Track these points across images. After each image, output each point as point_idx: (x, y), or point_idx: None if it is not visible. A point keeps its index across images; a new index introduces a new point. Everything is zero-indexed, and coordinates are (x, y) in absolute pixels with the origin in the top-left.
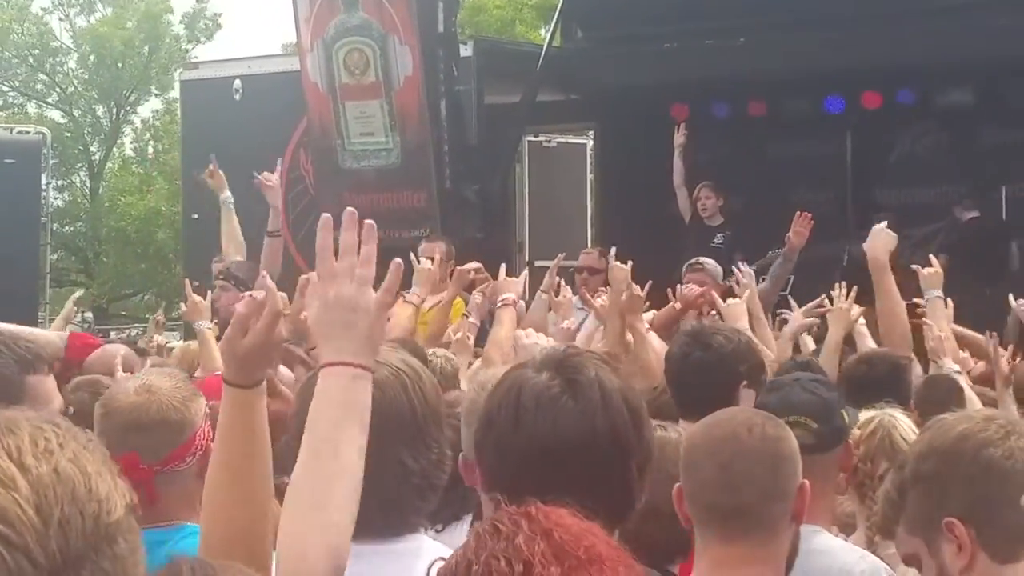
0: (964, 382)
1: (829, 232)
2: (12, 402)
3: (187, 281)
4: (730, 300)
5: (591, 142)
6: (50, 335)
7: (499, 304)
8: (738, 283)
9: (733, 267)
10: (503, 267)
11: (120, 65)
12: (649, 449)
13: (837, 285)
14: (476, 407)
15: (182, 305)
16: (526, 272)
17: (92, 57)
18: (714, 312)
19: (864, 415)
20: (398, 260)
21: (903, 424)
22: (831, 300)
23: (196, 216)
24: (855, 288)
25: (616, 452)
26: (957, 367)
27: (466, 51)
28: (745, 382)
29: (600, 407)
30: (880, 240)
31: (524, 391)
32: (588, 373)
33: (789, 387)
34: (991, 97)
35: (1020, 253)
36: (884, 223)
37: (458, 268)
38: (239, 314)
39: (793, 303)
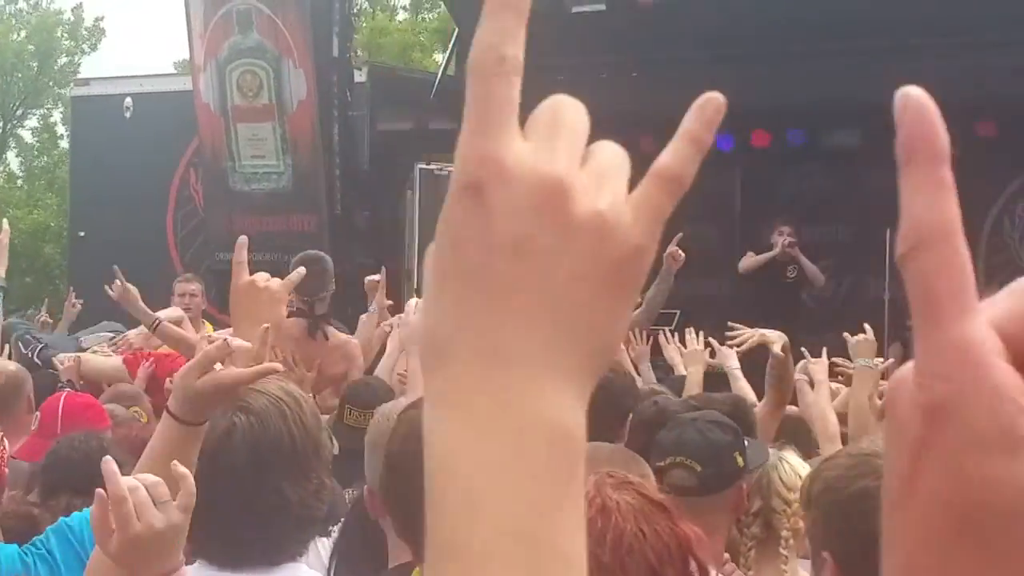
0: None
1: (716, 268)
2: None
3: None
4: None
5: None
6: None
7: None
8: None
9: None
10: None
11: (8, 79)
12: None
13: (689, 330)
14: (381, 438)
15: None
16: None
17: None
18: None
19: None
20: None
21: (787, 465)
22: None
23: (83, 234)
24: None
25: None
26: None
27: (360, 77)
28: (632, 416)
29: None
30: None
31: None
32: None
33: (683, 427)
34: (878, 140)
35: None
36: None
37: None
38: (206, 353)
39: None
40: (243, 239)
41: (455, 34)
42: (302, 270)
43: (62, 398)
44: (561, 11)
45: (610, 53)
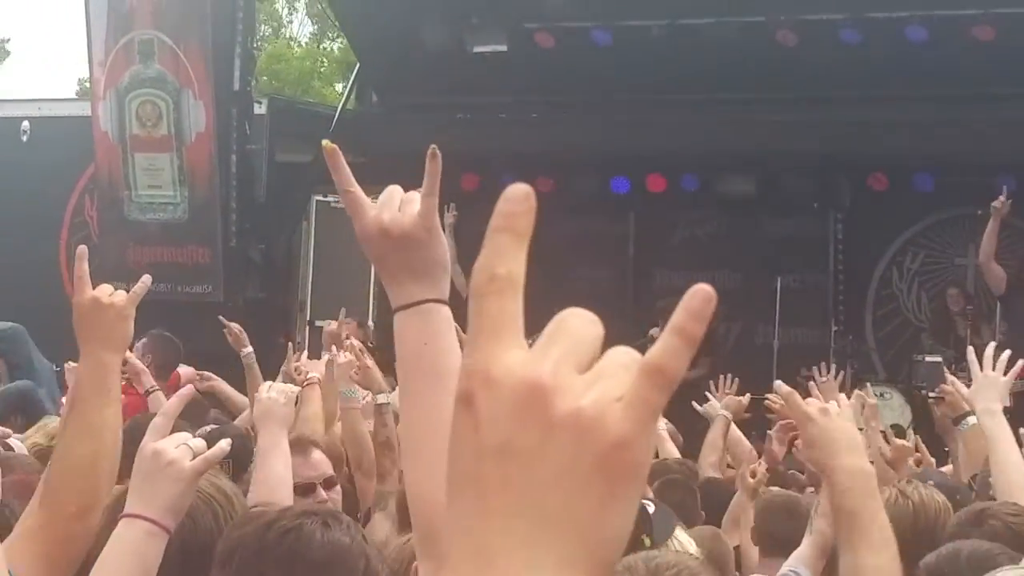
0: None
1: (609, 310)
2: None
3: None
4: None
5: None
6: None
7: (304, 384)
8: None
9: None
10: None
11: None
12: None
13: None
14: None
15: None
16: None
17: None
18: None
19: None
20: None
21: (675, 543)
22: None
23: None
24: None
25: None
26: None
27: (260, 109)
28: None
29: None
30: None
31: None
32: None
33: None
34: (771, 188)
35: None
36: None
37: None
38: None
39: None
40: (83, 248)
41: (356, 68)
42: (147, 278)
43: None
44: (463, 51)
45: (511, 94)
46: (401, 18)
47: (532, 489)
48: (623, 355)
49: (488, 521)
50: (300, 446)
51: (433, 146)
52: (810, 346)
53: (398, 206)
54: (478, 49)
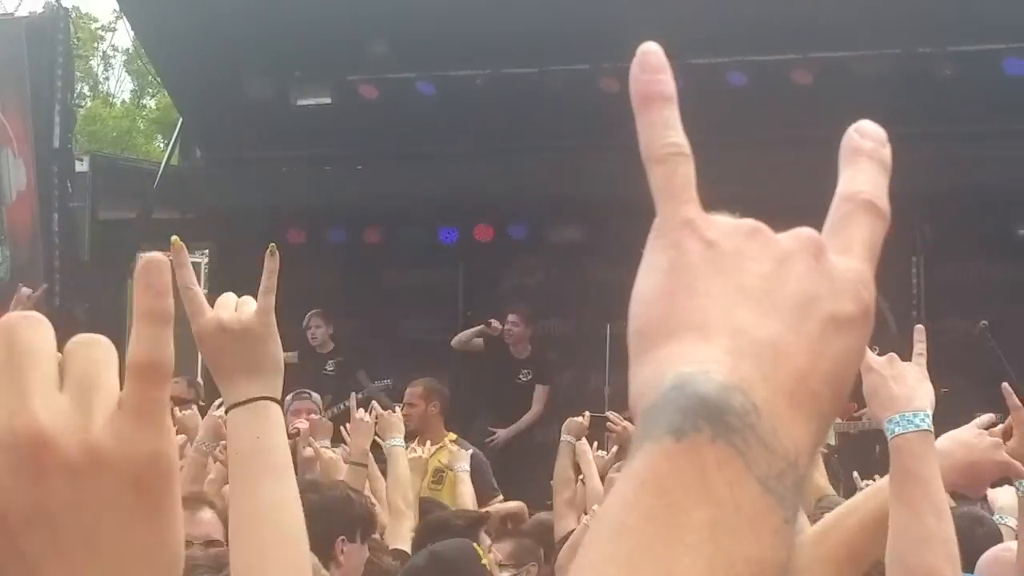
0: None
1: (438, 361)
2: None
3: None
4: (330, 453)
5: (206, 260)
6: None
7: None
8: None
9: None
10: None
11: None
12: None
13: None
14: None
15: None
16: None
17: None
18: None
19: None
20: None
21: None
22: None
23: None
24: None
25: None
26: None
27: (82, 167)
28: (343, 536)
29: None
30: None
31: None
32: None
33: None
34: (599, 235)
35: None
36: None
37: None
38: None
39: None
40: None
41: (179, 124)
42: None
43: None
44: (286, 104)
45: (336, 146)
46: (224, 72)
47: (81, 546)
48: (90, 348)
49: None
50: (188, 503)
51: (272, 244)
52: None
53: (234, 307)
54: (302, 102)
